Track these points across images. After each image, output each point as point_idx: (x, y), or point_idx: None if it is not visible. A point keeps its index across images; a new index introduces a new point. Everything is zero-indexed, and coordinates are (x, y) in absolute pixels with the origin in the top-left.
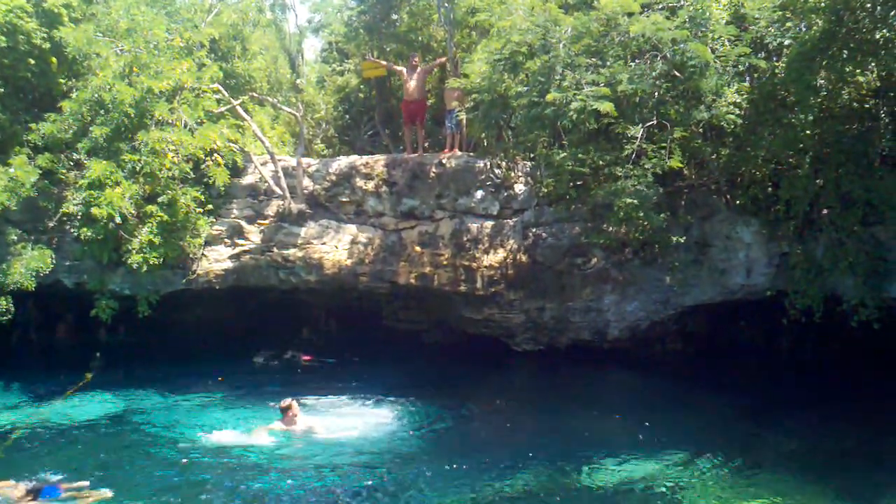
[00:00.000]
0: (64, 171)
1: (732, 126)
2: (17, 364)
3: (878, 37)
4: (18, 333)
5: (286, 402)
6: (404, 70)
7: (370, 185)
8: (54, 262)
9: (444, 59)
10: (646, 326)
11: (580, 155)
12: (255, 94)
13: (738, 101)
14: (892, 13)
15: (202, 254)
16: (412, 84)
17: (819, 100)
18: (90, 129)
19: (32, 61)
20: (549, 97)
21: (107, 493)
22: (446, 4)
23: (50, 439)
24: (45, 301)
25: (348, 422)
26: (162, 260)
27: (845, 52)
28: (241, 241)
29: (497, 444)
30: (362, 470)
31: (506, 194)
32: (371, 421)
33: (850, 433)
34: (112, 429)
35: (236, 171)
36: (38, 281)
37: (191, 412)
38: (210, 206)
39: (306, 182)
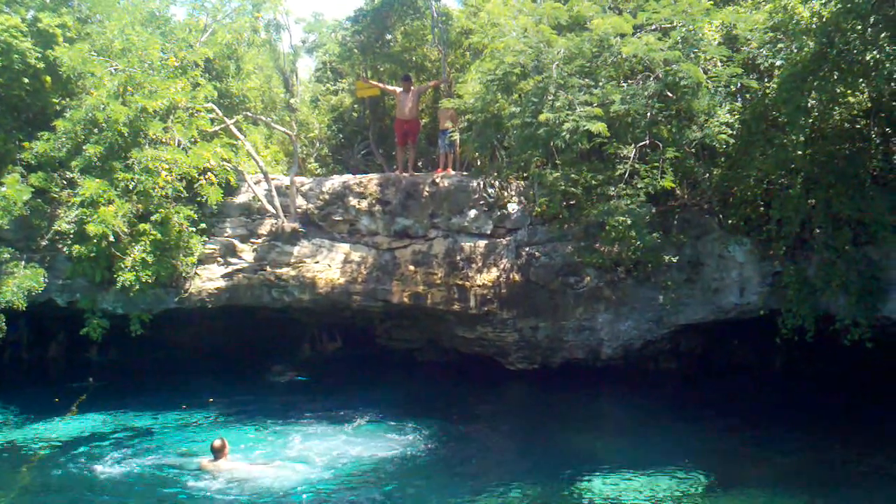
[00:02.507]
0: (57, 189)
1: (724, 146)
2: (8, 383)
3: (868, 58)
4: (9, 352)
5: (218, 442)
6: (398, 90)
7: (363, 205)
8: (46, 280)
9: (438, 82)
10: (639, 345)
11: (573, 175)
12: (249, 114)
13: (730, 121)
14: (882, 35)
15: (195, 272)
16: (406, 104)
17: (810, 120)
18: (84, 147)
19: (27, 80)
20: (541, 117)
21: None
22: (440, 25)
23: (32, 460)
24: (36, 319)
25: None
26: (154, 279)
27: (836, 73)
28: (233, 260)
29: (488, 464)
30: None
31: (499, 213)
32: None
33: (844, 451)
34: (94, 450)
35: (230, 190)
36: (30, 299)
37: (177, 433)
38: (203, 225)
39: (300, 201)
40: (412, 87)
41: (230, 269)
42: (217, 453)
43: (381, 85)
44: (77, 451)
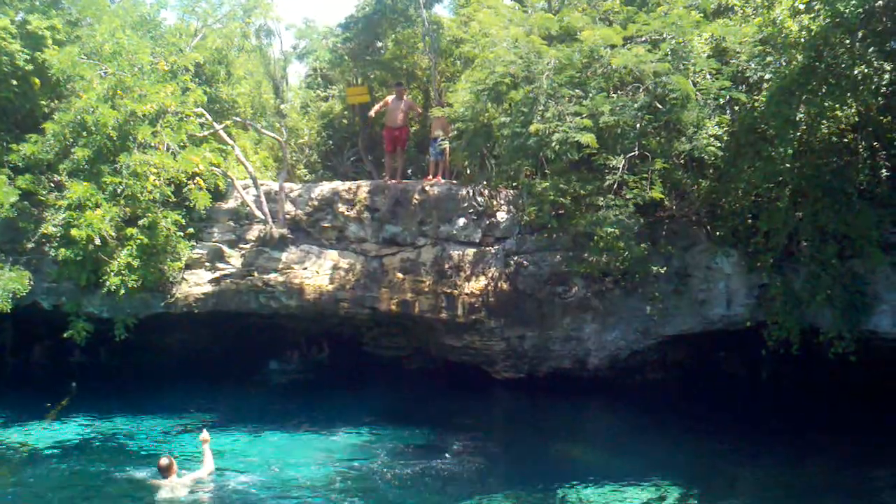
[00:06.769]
0: (44, 192)
1: (713, 158)
2: None
3: (856, 72)
4: None
5: (165, 461)
6: (389, 99)
7: (352, 211)
8: (32, 283)
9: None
10: (626, 356)
11: (562, 185)
12: (238, 119)
13: (719, 133)
14: (871, 50)
15: (182, 277)
16: (397, 112)
17: (798, 134)
18: (72, 150)
19: (15, 82)
20: (532, 128)
21: None
22: (431, 34)
23: (14, 465)
24: (21, 322)
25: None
26: (141, 283)
27: (824, 87)
28: (221, 266)
29: (472, 473)
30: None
31: (488, 222)
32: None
33: (827, 465)
34: (73, 458)
35: (218, 195)
36: (15, 302)
37: (156, 440)
38: (191, 230)
39: (288, 207)
40: (405, 97)
41: (217, 274)
42: (165, 472)
43: (374, 106)
44: (48, 457)
